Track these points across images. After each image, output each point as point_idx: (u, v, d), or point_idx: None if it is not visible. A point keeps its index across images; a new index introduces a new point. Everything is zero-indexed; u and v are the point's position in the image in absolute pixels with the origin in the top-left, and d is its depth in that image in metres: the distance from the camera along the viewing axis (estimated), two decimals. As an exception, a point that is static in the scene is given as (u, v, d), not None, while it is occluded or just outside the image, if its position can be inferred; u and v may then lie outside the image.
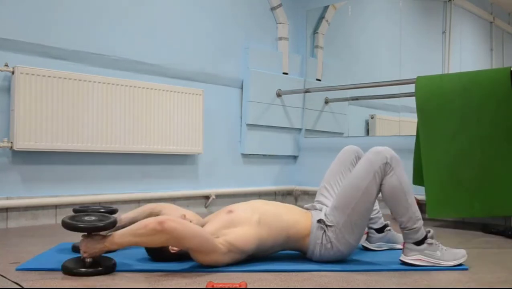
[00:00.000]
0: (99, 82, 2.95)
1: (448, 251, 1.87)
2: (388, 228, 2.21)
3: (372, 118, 4.21)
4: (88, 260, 1.65)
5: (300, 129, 4.24)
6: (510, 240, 2.55)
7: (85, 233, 1.66)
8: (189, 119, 3.37)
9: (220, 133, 3.73)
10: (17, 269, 1.70)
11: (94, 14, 3.04)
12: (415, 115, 2.93)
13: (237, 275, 1.66)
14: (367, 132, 4.23)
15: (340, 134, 4.29)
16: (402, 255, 1.87)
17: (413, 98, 2.95)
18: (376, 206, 2.19)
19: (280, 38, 4.12)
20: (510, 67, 2.69)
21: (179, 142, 3.32)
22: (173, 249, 1.71)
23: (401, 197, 1.84)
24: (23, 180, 2.76)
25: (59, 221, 2.30)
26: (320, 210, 1.95)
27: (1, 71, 2.65)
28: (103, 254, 1.70)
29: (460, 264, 1.86)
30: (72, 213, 1.88)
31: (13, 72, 2.66)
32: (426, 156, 2.82)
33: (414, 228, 1.84)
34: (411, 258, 1.85)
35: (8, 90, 2.69)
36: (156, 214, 1.98)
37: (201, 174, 3.60)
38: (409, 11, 4.16)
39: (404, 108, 3.93)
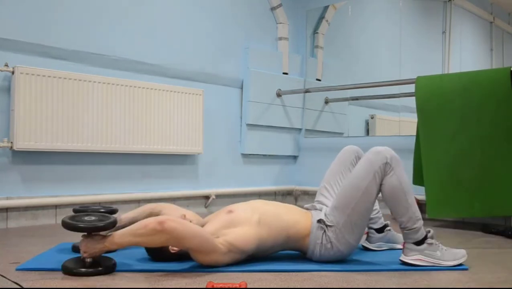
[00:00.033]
0: (99, 82, 2.95)
1: (448, 251, 1.87)
2: (388, 228, 2.21)
3: (372, 118, 4.21)
4: (88, 260, 1.65)
5: (300, 129, 4.24)
6: (510, 240, 2.55)
7: (85, 233, 1.67)
8: (189, 119, 3.37)
9: (220, 133, 3.74)
10: (17, 269, 1.70)
11: (94, 14, 3.04)
12: (415, 115, 2.93)
13: (237, 275, 1.66)
14: (367, 132, 4.23)
15: (340, 134, 4.29)
16: (402, 255, 1.87)
17: (413, 98, 2.95)
18: (376, 206, 2.19)
19: (280, 38, 4.12)
20: (510, 67, 2.69)
21: (179, 142, 3.32)
22: (173, 249, 1.71)
23: (401, 197, 1.84)
24: (23, 180, 2.76)
25: (59, 221, 2.30)
26: (320, 210, 1.95)
27: (1, 71, 2.65)
28: (103, 254, 1.70)
29: (460, 264, 1.86)
30: (72, 213, 1.88)
31: (13, 72, 2.66)
32: (426, 156, 2.82)
33: (414, 228, 1.84)
34: (411, 258, 1.85)
35: (8, 90, 2.69)
36: (156, 214, 1.98)
37: (201, 174, 3.60)
38: (409, 11, 4.16)
39: (404, 108, 3.93)
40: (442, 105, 2.83)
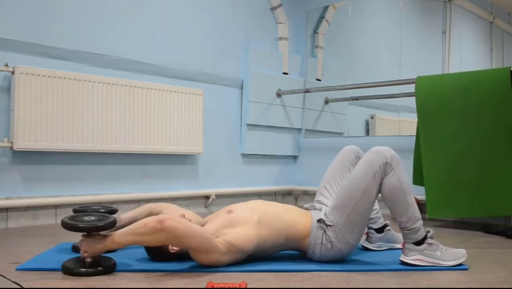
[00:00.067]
0: (99, 82, 2.95)
1: (448, 251, 1.87)
2: (388, 228, 2.21)
3: (372, 118, 4.21)
4: (88, 260, 1.65)
5: (300, 129, 4.24)
6: (510, 240, 2.55)
7: (85, 233, 1.67)
8: (189, 119, 3.38)
9: (220, 133, 3.74)
10: (17, 269, 1.70)
11: (94, 14, 3.04)
12: (415, 115, 2.93)
13: (237, 275, 1.66)
14: (367, 132, 4.23)
15: (340, 134, 4.29)
16: (402, 255, 1.87)
17: (413, 98, 2.95)
18: (376, 206, 2.19)
19: (280, 38, 4.12)
20: (510, 67, 2.69)
21: (179, 142, 3.32)
22: (173, 249, 1.71)
23: (401, 197, 1.84)
24: (23, 180, 2.76)
25: (59, 221, 2.29)
26: (320, 210, 1.95)
27: (1, 71, 2.65)
28: (103, 254, 1.70)
29: (460, 264, 1.86)
30: (72, 213, 1.88)
31: (13, 72, 2.66)
32: (426, 156, 2.82)
33: (414, 228, 1.84)
34: (411, 258, 1.85)
35: (8, 90, 2.69)
36: (156, 213, 1.97)
37: (201, 174, 3.60)
38: (409, 11, 4.16)
39: (404, 108, 3.93)
40: (442, 105, 2.83)
